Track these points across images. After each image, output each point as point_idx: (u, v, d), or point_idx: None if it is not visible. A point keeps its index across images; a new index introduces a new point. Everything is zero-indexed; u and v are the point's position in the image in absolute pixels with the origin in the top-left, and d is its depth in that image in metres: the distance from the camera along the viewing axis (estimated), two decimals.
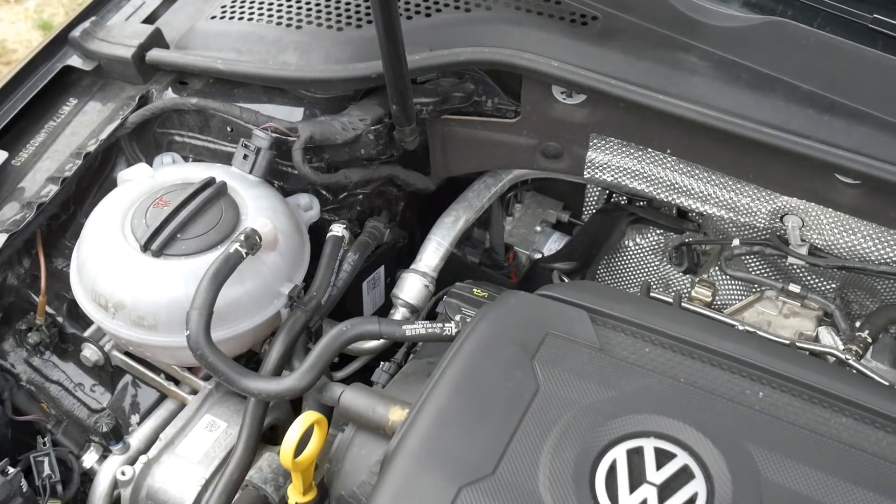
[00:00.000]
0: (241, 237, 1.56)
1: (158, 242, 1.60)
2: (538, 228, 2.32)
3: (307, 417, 1.43)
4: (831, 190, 1.70)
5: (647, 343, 1.44)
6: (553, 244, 2.29)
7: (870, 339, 1.72)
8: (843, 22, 1.77)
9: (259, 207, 1.69)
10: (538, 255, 2.26)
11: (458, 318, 1.58)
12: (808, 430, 1.32)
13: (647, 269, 2.28)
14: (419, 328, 1.58)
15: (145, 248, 1.60)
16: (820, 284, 1.97)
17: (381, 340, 1.77)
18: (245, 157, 1.75)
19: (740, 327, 1.70)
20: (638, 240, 2.24)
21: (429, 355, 1.68)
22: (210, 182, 1.69)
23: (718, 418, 1.33)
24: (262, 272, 1.64)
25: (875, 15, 1.74)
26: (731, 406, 1.35)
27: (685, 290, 2.23)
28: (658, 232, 2.20)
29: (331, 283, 1.73)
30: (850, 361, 1.66)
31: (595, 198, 2.30)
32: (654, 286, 2.29)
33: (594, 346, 1.41)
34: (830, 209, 1.74)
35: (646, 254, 2.25)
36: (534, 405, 1.34)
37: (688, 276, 2.20)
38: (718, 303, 2.13)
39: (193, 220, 1.64)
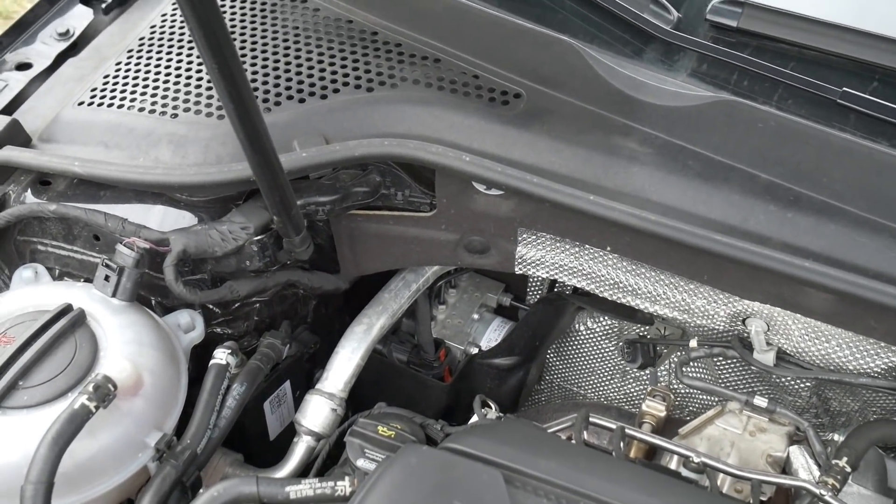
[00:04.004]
0: (90, 388, 1.29)
1: None
2: (476, 315, 2.06)
3: None
4: (800, 295, 1.44)
5: None
6: (493, 332, 2.03)
7: (848, 469, 1.46)
8: (808, 96, 1.50)
9: (122, 340, 1.43)
10: (474, 350, 2.00)
11: (349, 478, 1.32)
12: None
13: (601, 356, 2.03)
14: (306, 489, 1.32)
15: None
16: (794, 383, 1.72)
17: None
18: (107, 277, 1.48)
19: (696, 459, 1.44)
20: (589, 324, 1.98)
21: None
22: (65, 311, 1.43)
23: None
24: (122, 422, 1.37)
25: (844, 88, 1.47)
26: None
27: (643, 392, 1.98)
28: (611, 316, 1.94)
29: (210, 424, 1.46)
30: (827, 498, 1.40)
31: (540, 280, 2.04)
32: (610, 376, 2.04)
33: None
34: (800, 315, 1.48)
35: (599, 339, 2.00)
36: None
37: (646, 370, 1.94)
38: (680, 408, 1.88)
39: (40, 362, 1.37)
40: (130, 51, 1.76)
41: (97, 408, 1.29)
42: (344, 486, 1.31)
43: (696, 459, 1.44)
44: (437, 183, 1.57)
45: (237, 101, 1.18)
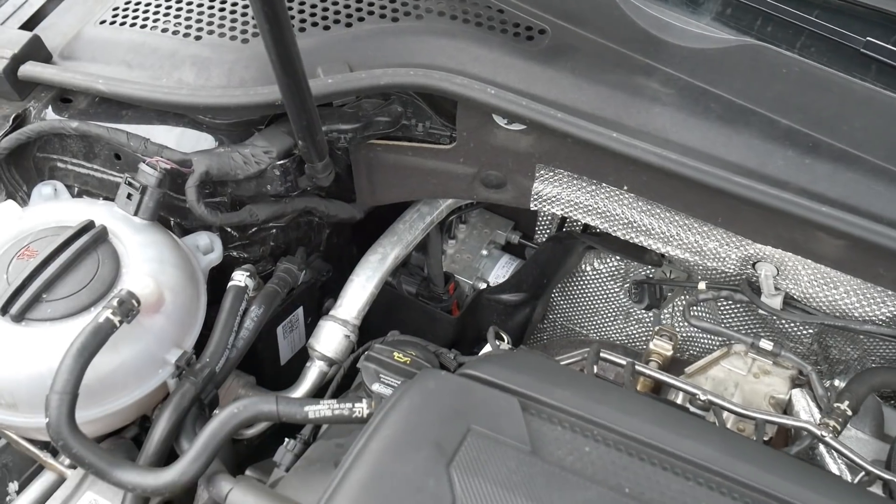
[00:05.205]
0: (115, 302, 1.31)
1: (20, 305, 1.35)
2: (485, 252, 2.08)
3: None
4: (812, 240, 1.47)
5: (589, 440, 1.21)
6: (501, 269, 2.05)
7: (850, 413, 1.50)
8: (832, 44, 1.51)
9: (144, 258, 1.44)
10: (483, 285, 2.03)
11: (367, 400, 1.35)
12: None
13: (605, 296, 2.05)
14: (324, 409, 1.34)
15: (4, 310, 1.35)
16: (796, 328, 1.75)
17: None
18: (129, 196, 1.49)
19: (702, 396, 1.48)
20: (596, 265, 2.00)
21: (339, 434, 1.45)
22: (87, 227, 1.44)
23: None
24: (143, 338, 1.39)
25: (868, 38, 1.48)
26: None
27: (645, 334, 2.01)
28: (618, 257, 1.96)
29: (228, 344, 1.49)
30: (827, 439, 1.44)
31: (549, 218, 2.06)
32: (614, 317, 2.06)
33: (524, 448, 1.18)
34: (810, 260, 1.51)
35: (605, 280, 2.02)
36: None
37: (650, 311, 1.97)
38: (681, 351, 1.91)
39: (63, 276, 1.39)
40: None
41: (121, 322, 1.31)
42: (362, 407, 1.34)
43: (703, 397, 1.47)
44: (458, 115, 1.57)
45: (273, 22, 1.18)
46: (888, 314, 1.52)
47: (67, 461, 1.53)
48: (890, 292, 1.50)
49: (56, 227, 1.46)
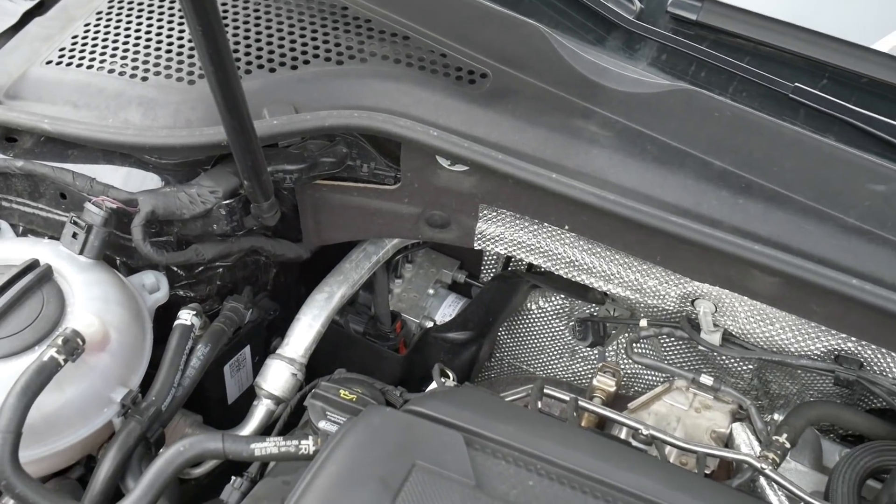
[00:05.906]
0: (59, 341, 1.32)
1: None
2: (431, 291, 2.10)
3: None
4: (747, 278, 1.51)
5: (532, 473, 1.23)
6: (447, 308, 2.08)
7: (788, 445, 1.53)
8: (762, 89, 1.57)
9: (89, 297, 1.45)
10: (429, 324, 2.05)
11: (313, 437, 1.36)
12: None
13: (551, 334, 2.08)
14: (270, 447, 1.35)
15: None
16: (737, 364, 1.79)
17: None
18: (75, 235, 1.50)
19: (644, 431, 1.50)
20: (541, 303, 2.03)
21: (286, 472, 1.46)
22: (32, 266, 1.44)
23: None
24: (89, 377, 1.40)
25: (796, 83, 1.54)
26: None
27: (590, 371, 2.04)
28: (562, 296, 2.00)
29: (174, 383, 1.49)
30: (767, 471, 1.47)
31: (494, 258, 2.09)
32: (559, 355, 2.09)
33: (468, 483, 1.19)
34: (746, 297, 1.55)
35: (550, 318, 2.05)
36: None
37: (594, 349, 2.01)
38: (626, 387, 1.94)
39: (7, 315, 1.39)
40: (99, 12, 1.77)
41: (66, 361, 1.32)
42: (308, 444, 1.35)
43: (645, 432, 1.50)
44: (402, 157, 1.61)
45: (217, 65, 1.21)
46: (822, 349, 1.57)
47: (11, 502, 1.52)
48: (823, 328, 1.55)
49: (0, 265, 1.46)
